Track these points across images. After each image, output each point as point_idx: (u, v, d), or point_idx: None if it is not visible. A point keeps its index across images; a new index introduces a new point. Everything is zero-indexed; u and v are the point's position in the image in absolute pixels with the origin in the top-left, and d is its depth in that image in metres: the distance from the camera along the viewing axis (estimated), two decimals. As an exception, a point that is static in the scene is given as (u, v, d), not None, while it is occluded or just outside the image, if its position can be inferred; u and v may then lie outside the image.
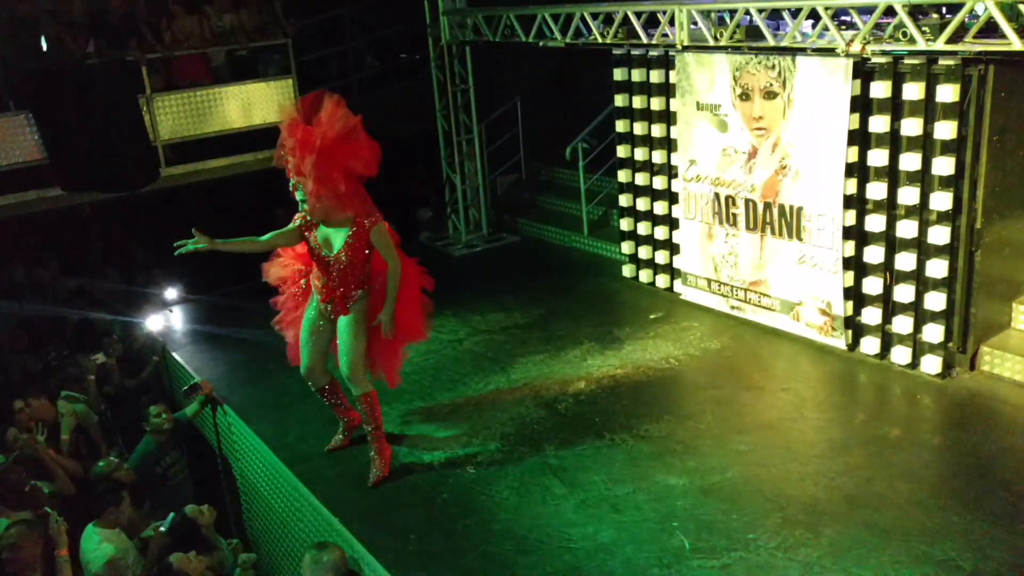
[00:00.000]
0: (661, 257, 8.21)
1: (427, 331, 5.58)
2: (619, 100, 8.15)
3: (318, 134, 4.89)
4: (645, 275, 8.41)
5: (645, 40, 7.35)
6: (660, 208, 8.10)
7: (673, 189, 7.84)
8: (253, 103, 10.06)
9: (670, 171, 7.87)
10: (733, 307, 7.46)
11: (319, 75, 11.53)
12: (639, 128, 8.08)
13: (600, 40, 7.67)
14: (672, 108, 7.64)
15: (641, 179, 8.22)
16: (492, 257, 9.96)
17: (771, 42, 6.39)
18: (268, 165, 5.29)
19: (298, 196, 5.52)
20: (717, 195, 7.31)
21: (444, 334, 7.56)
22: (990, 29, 5.31)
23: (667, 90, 7.68)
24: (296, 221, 5.21)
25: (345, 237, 5.11)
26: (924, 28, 5.53)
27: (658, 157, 7.95)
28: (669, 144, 7.81)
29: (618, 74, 8.06)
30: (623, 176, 8.39)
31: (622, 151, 8.29)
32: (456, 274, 9.56)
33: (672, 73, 7.50)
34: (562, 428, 5.92)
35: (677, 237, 7.92)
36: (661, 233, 8.15)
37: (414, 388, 6.63)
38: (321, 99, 4.96)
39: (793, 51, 6.40)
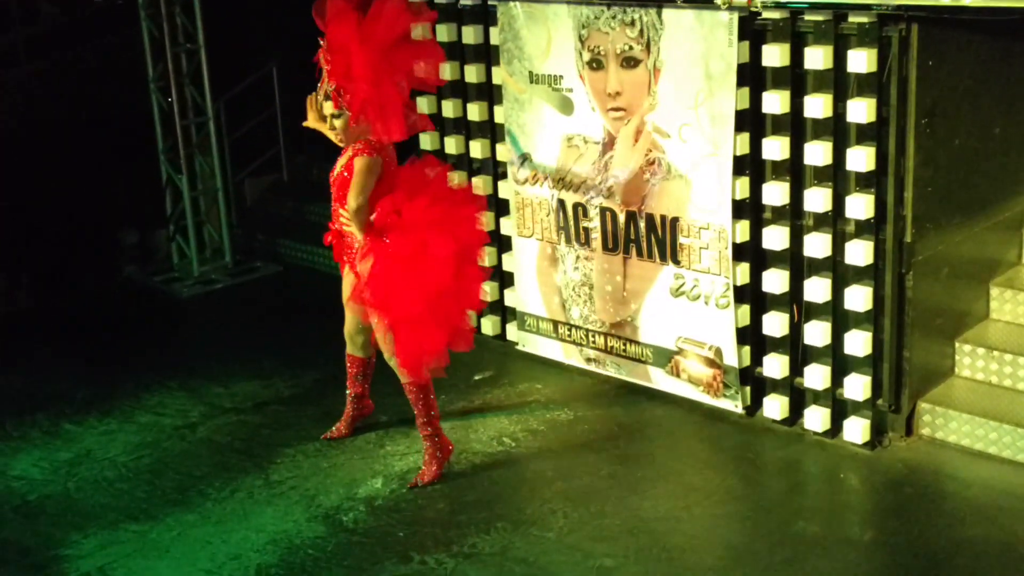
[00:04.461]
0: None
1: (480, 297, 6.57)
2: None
3: (381, 28, 6.00)
4: (465, 318, 8.38)
5: (454, -18, 7.41)
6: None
7: (500, 195, 7.90)
8: None
9: (495, 169, 7.93)
10: (589, 360, 7.56)
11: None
12: (449, 109, 8.07)
13: (389, -18, 7.64)
14: (495, 80, 7.69)
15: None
16: (240, 297, 9.79)
17: (628, -12, 6.54)
18: None
19: (328, 110, 6.26)
20: (562, 202, 7.40)
21: (167, 417, 7.34)
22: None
23: (487, 55, 7.73)
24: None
25: (347, 159, 6.11)
26: (829, -28, 5.82)
27: (478, 150, 7.99)
28: (493, 131, 7.86)
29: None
30: (429, 176, 8.34)
31: (425, 140, 8.26)
32: (185, 325, 9.31)
33: (493, 30, 7.56)
34: (349, 550, 5.81)
35: (508, 263, 7.97)
36: (485, 257, 8.13)
37: (120, 502, 6.36)
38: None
39: (658, 1, 6.57)
